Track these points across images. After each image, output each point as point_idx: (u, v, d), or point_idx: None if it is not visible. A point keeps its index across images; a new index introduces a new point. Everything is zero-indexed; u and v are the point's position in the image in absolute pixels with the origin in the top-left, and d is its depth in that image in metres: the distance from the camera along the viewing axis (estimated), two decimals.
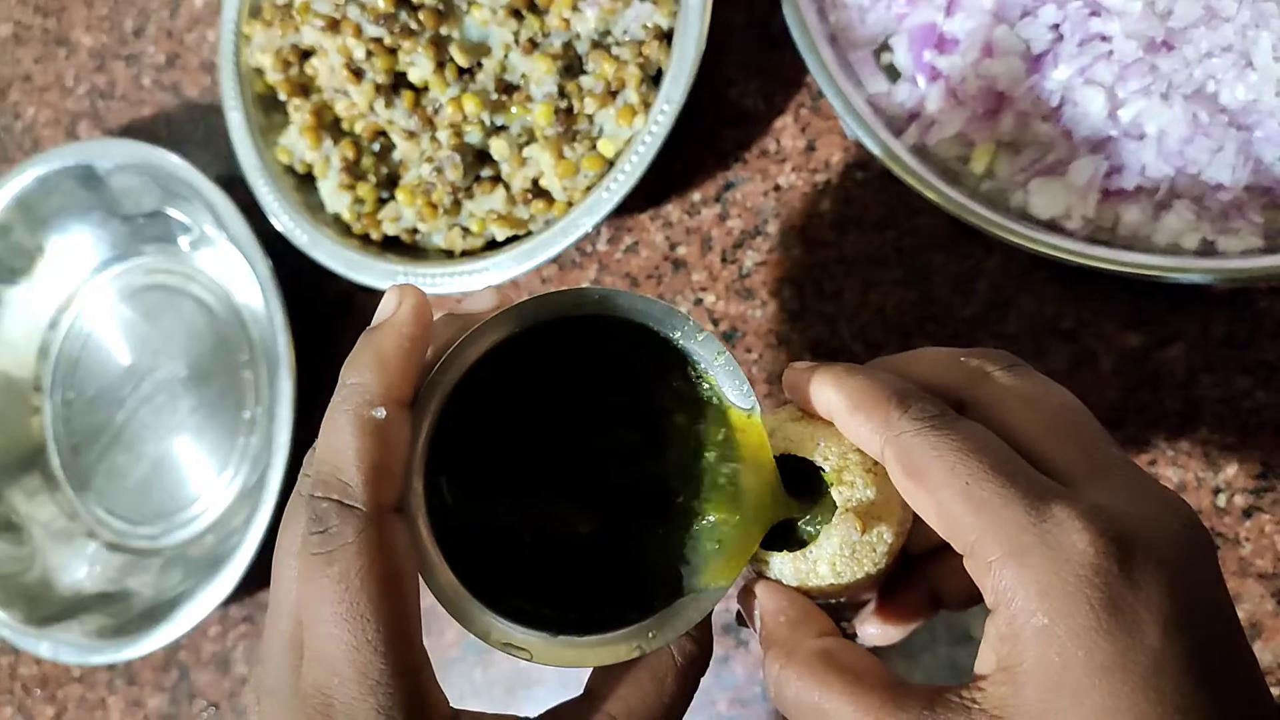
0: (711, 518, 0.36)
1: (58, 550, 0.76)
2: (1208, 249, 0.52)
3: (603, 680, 0.35)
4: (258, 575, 0.69)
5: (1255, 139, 0.51)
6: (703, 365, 0.36)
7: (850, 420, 0.33)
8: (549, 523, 0.37)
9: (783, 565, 0.35)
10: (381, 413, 0.32)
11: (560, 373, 0.37)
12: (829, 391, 0.34)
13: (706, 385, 0.36)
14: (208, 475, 0.74)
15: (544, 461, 0.38)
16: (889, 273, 0.59)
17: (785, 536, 0.36)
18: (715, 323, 0.62)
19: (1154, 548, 0.28)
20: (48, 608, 0.73)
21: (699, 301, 0.63)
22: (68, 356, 0.79)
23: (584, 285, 0.33)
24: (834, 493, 0.34)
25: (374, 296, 0.70)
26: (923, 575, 0.39)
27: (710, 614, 0.35)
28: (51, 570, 0.75)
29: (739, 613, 0.37)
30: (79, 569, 0.75)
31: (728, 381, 0.36)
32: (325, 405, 0.67)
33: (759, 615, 0.35)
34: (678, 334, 0.36)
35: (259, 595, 0.72)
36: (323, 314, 0.71)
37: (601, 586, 0.37)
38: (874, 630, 0.40)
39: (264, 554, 0.65)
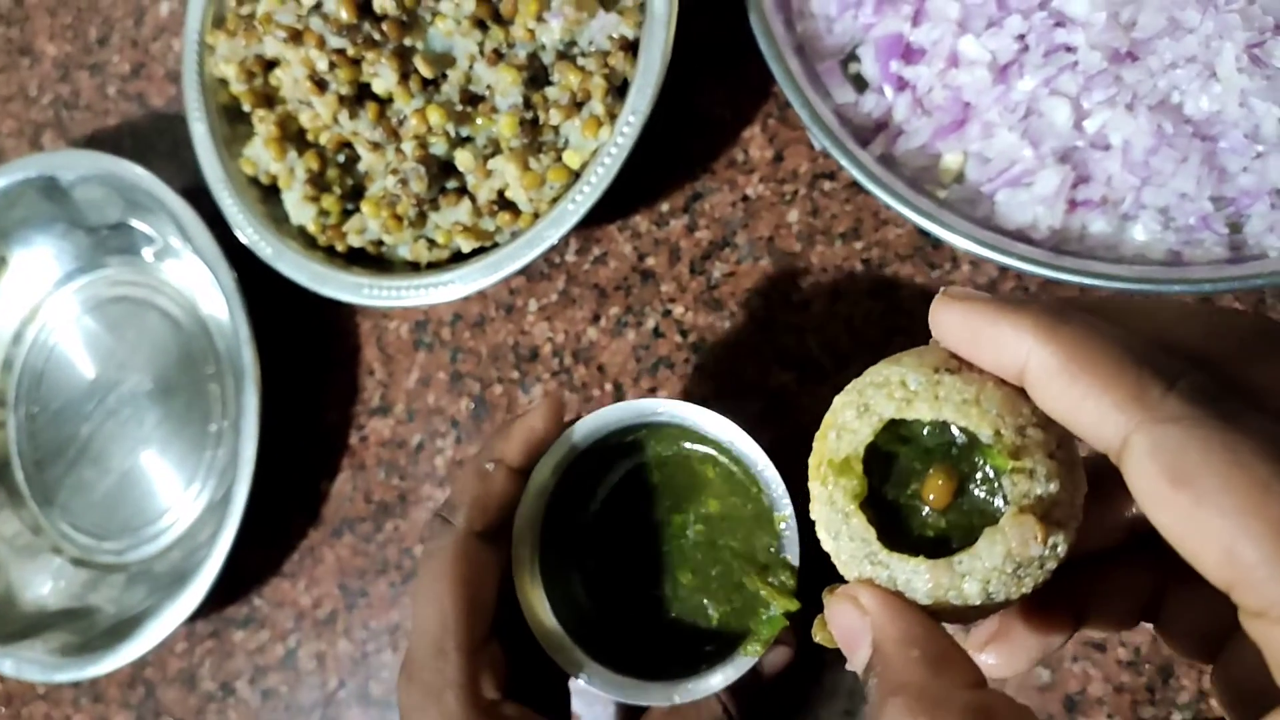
0: (754, 595, 0.44)
1: (21, 566, 0.75)
2: (1174, 259, 0.52)
3: None
4: (224, 591, 0.68)
5: (1220, 150, 0.51)
6: (755, 470, 0.44)
7: (1068, 389, 0.24)
8: (636, 593, 0.48)
9: (915, 575, 0.26)
10: (490, 466, 0.44)
11: (639, 470, 0.49)
12: (1028, 340, 0.24)
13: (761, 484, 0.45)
14: (174, 490, 0.73)
15: (637, 542, 0.49)
16: (857, 283, 0.59)
17: (895, 525, 0.28)
18: (684, 334, 0.62)
19: None
20: (11, 624, 0.72)
21: (667, 313, 0.62)
22: (32, 370, 0.78)
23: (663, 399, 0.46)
24: (1005, 481, 0.26)
25: (341, 308, 0.69)
26: (1069, 587, 0.31)
27: (755, 684, 0.45)
28: (15, 586, 0.74)
29: (817, 621, 0.30)
30: (43, 585, 0.74)
31: (768, 484, 0.44)
32: (292, 419, 0.69)
33: (875, 638, 0.27)
34: (734, 445, 0.44)
35: (226, 611, 0.71)
36: (289, 326, 0.70)
37: (676, 641, 0.47)
38: (995, 660, 0.32)
39: (230, 570, 0.65)
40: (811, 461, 0.28)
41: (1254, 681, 0.21)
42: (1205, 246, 0.51)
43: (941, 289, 0.27)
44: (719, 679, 0.43)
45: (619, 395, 0.63)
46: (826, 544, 0.28)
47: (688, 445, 0.48)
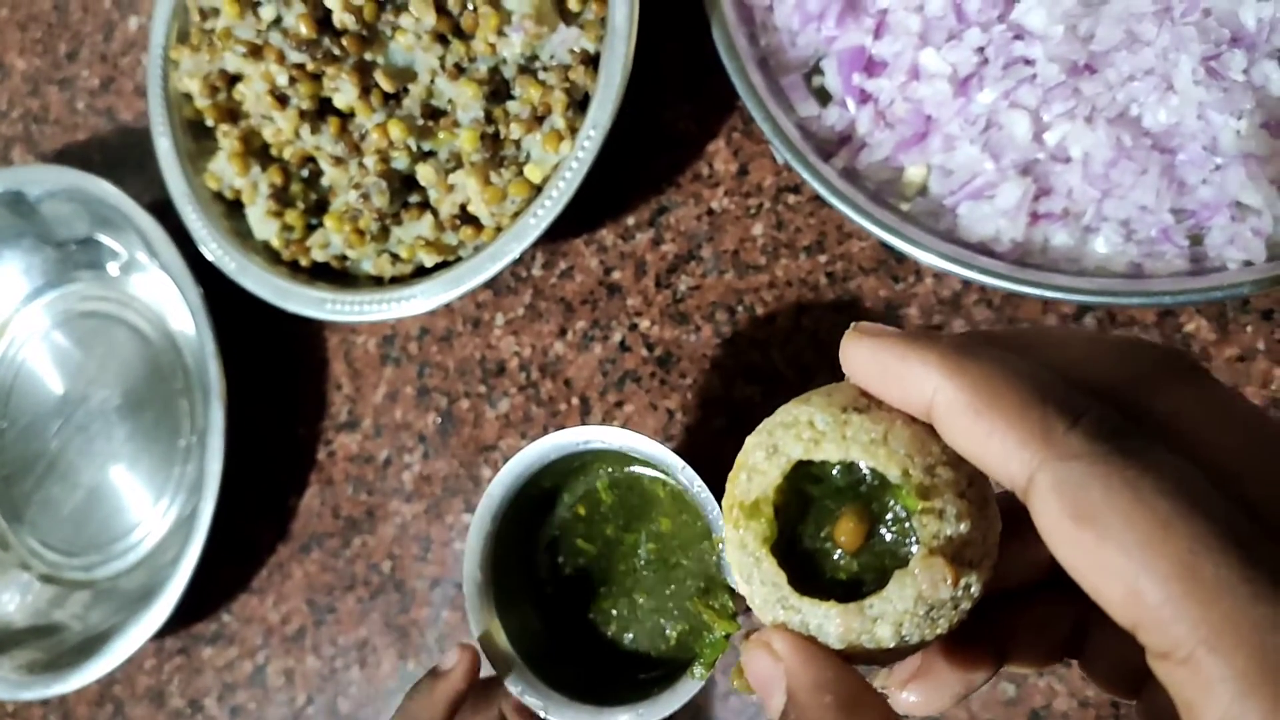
0: (698, 617, 0.45)
1: None
2: (1136, 272, 0.52)
3: None
4: (192, 607, 0.68)
5: (1178, 162, 0.51)
6: (690, 493, 0.44)
7: (973, 426, 0.23)
8: (592, 618, 0.49)
9: (827, 620, 0.25)
10: None
11: (592, 493, 0.50)
12: (934, 377, 0.23)
13: (702, 508, 0.45)
14: (144, 505, 0.73)
15: (591, 567, 0.50)
16: (821, 297, 0.58)
17: (808, 571, 0.27)
18: (650, 348, 0.62)
19: None
20: None
21: (634, 327, 0.62)
22: (0, 386, 0.77)
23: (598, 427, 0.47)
24: (915, 522, 0.25)
25: (309, 323, 0.69)
26: (991, 624, 0.29)
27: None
28: None
29: (734, 670, 0.29)
30: (10, 602, 0.74)
31: (703, 505, 0.44)
32: (259, 433, 0.69)
33: (788, 685, 0.26)
34: (669, 469, 0.44)
35: (194, 628, 0.71)
36: (258, 341, 0.70)
37: (635, 663, 0.47)
38: (917, 699, 0.30)
39: (198, 586, 0.64)
40: (724, 504, 0.27)
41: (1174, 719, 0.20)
42: (1166, 259, 0.51)
43: (852, 324, 0.26)
44: (668, 702, 0.43)
45: (585, 409, 0.63)
46: (741, 588, 0.27)
47: (638, 466, 0.48)
